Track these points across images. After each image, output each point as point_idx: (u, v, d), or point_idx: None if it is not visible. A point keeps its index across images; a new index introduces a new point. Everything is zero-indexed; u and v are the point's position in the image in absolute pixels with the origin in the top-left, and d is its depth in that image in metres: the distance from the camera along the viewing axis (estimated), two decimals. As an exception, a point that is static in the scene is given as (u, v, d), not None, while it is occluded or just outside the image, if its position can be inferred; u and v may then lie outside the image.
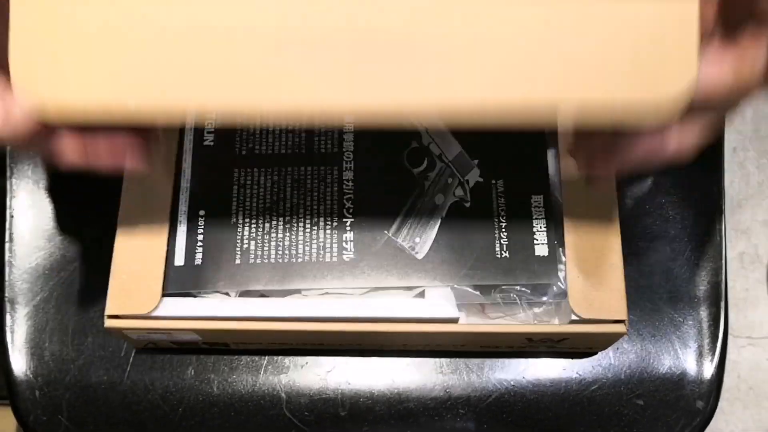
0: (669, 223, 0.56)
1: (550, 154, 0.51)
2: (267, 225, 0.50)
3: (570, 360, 0.54)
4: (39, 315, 0.54)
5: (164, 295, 0.48)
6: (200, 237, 0.50)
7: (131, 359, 0.54)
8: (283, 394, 0.53)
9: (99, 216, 0.56)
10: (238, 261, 0.49)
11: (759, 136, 1.34)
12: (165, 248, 0.49)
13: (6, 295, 0.54)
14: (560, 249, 0.49)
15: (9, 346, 0.53)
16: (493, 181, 0.51)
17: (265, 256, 0.49)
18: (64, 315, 0.54)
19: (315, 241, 0.50)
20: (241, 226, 0.50)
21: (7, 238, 0.55)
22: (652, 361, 0.54)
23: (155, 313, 0.48)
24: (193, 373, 0.53)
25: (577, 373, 0.54)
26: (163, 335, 0.49)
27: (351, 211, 0.50)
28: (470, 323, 0.50)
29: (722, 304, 0.55)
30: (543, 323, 0.49)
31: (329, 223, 0.50)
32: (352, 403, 0.53)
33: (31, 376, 0.53)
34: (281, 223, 0.50)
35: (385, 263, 0.49)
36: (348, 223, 0.50)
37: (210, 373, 0.53)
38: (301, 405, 0.53)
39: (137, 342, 0.51)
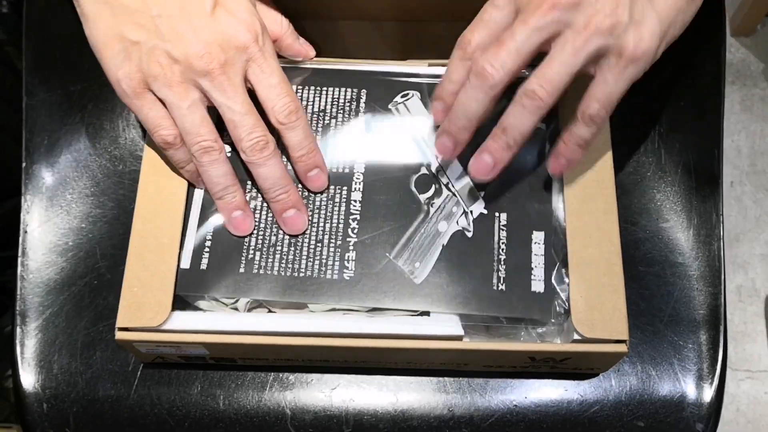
0: (668, 248, 0.57)
1: (555, 191, 0.53)
2: (273, 237, 0.51)
3: (572, 381, 0.55)
4: (49, 329, 0.55)
5: (173, 306, 0.49)
6: (208, 243, 0.51)
7: (138, 374, 0.54)
8: (288, 411, 0.54)
9: (110, 233, 0.57)
10: (242, 270, 0.50)
11: (755, 171, 1.36)
12: (176, 265, 0.50)
13: (17, 308, 0.55)
14: (557, 285, 0.50)
15: (19, 358, 0.54)
16: (497, 214, 0.52)
17: (269, 268, 0.50)
18: (74, 329, 0.55)
19: (318, 257, 0.51)
20: (248, 236, 0.51)
21: (20, 253, 0.56)
22: (652, 383, 0.54)
23: (165, 326, 0.49)
24: (199, 388, 0.54)
25: (578, 394, 0.54)
26: (172, 349, 0.50)
27: (355, 231, 0.52)
28: (474, 341, 0.50)
29: (721, 327, 0.56)
30: (546, 342, 0.50)
31: (333, 240, 0.51)
32: (356, 420, 0.53)
33: (39, 389, 0.54)
34: (287, 236, 0.51)
35: (384, 285, 0.50)
36: (351, 243, 0.51)
37: (216, 389, 0.54)
38: (306, 422, 0.53)
39: (146, 356, 0.52)
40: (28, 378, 0.54)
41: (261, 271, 0.50)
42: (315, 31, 0.58)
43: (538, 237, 0.51)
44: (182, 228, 0.51)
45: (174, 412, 0.53)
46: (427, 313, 0.50)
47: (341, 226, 0.52)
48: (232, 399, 0.54)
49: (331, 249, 0.51)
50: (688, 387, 0.54)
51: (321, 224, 0.52)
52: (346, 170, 0.53)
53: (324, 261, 0.51)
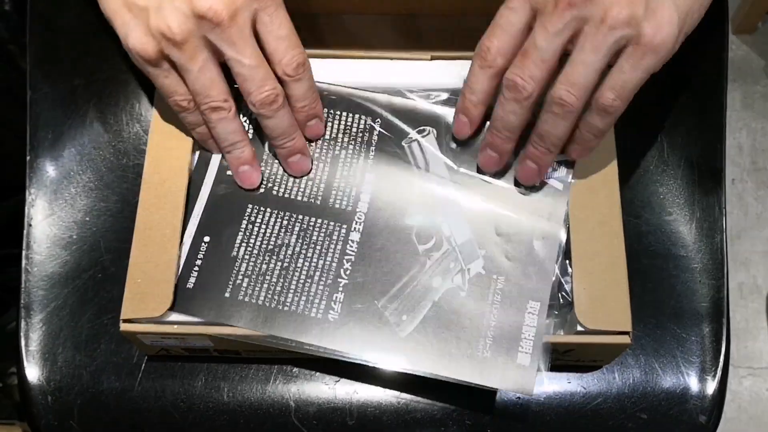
0: (671, 241, 0.57)
1: (557, 265, 0.51)
2: (264, 266, 0.50)
3: (575, 374, 0.55)
4: (53, 322, 0.55)
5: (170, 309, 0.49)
6: (198, 262, 0.51)
7: (143, 366, 0.54)
8: (292, 403, 0.54)
9: (114, 226, 0.57)
10: (227, 294, 0.50)
11: (756, 169, 1.36)
12: (179, 256, 0.50)
13: (22, 301, 0.55)
14: (561, 277, 0.50)
15: (23, 351, 0.54)
16: (494, 276, 0.50)
17: (255, 296, 0.50)
18: (78, 322, 0.55)
19: (306, 293, 0.50)
20: (239, 261, 0.51)
21: (24, 246, 0.57)
22: (655, 375, 0.55)
23: (169, 318, 0.49)
24: (203, 380, 0.54)
25: (581, 386, 0.54)
26: (176, 340, 0.50)
27: (348, 272, 0.50)
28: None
29: (724, 320, 0.56)
30: (549, 334, 0.50)
31: (324, 278, 0.50)
32: (360, 412, 0.54)
33: (43, 381, 0.54)
34: (278, 268, 0.50)
35: (367, 333, 0.48)
36: (342, 284, 0.50)
37: (220, 381, 0.54)
38: (310, 414, 0.54)
39: (150, 348, 0.52)
40: (33, 371, 0.54)
41: (246, 299, 0.49)
42: (317, 24, 0.58)
43: (533, 307, 0.49)
44: (181, 227, 0.51)
45: (178, 405, 0.54)
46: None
47: (334, 265, 0.50)
48: (236, 391, 0.54)
49: (320, 287, 0.50)
50: (691, 379, 0.54)
51: (314, 260, 0.50)
52: (349, 207, 0.52)
53: (311, 298, 0.49)
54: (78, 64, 0.61)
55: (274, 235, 0.51)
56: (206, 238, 0.51)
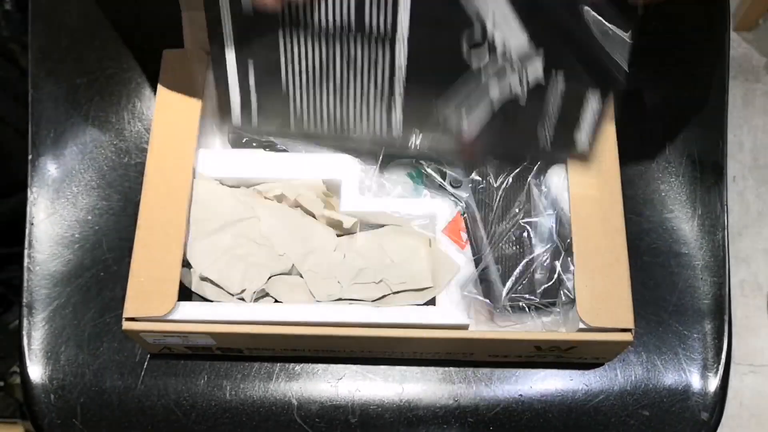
0: (673, 238, 0.57)
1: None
2: (319, 98, 0.50)
3: (577, 371, 0.55)
4: (56, 320, 0.55)
5: (180, 297, 0.49)
6: (254, 99, 0.50)
7: (145, 364, 0.54)
8: (294, 401, 0.54)
9: (116, 224, 0.57)
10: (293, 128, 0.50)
11: (758, 166, 1.36)
12: (182, 254, 0.50)
13: (24, 300, 0.55)
14: (564, 274, 0.50)
15: (26, 350, 0.54)
16: (554, 72, 0.47)
17: (318, 124, 0.50)
18: (81, 321, 0.55)
19: (365, 118, 0.50)
20: (294, 94, 0.50)
21: (26, 245, 0.57)
22: (657, 372, 0.55)
23: (171, 317, 0.49)
24: (206, 379, 0.54)
25: (584, 383, 0.54)
26: (179, 339, 0.50)
27: (402, 95, 0.49)
28: (480, 330, 0.51)
29: (726, 317, 0.56)
30: (551, 331, 0.50)
31: (379, 102, 0.49)
32: (362, 410, 0.54)
33: (46, 380, 0.54)
34: (332, 97, 0.50)
35: (434, 143, 0.50)
36: (398, 105, 0.49)
37: (223, 379, 0.54)
38: (312, 412, 0.54)
39: (153, 346, 0.52)
40: (36, 369, 0.54)
41: (311, 129, 0.50)
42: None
43: (594, 94, 0.48)
44: (187, 218, 0.51)
45: (181, 403, 0.54)
46: (432, 302, 0.50)
47: (386, 88, 0.49)
48: (239, 389, 0.54)
49: (378, 110, 0.49)
50: (693, 376, 0.54)
51: (365, 84, 0.49)
52: (389, 31, 0.46)
53: (371, 120, 0.50)
54: (79, 63, 0.61)
55: (317, 62, 0.48)
56: (252, 79, 0.49)
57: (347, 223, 0.53)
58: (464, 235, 0.53)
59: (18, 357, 0.55)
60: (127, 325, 0.49)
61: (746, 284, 1.29)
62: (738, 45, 1.46)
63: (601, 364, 0.55)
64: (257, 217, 0.53)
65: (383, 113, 0.49)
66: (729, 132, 0.60)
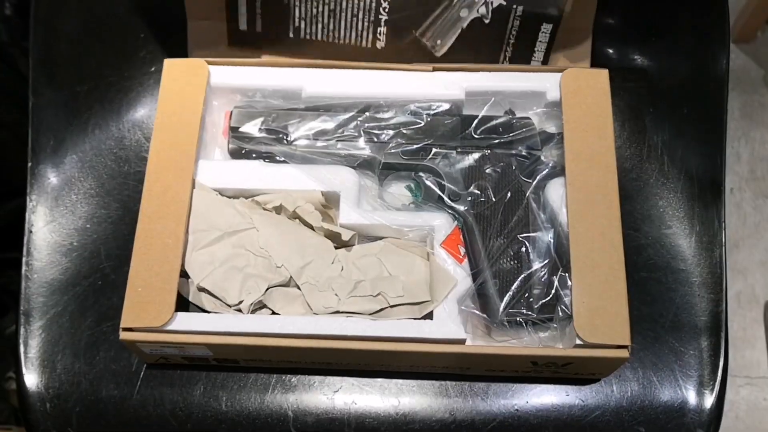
0: (671, 254, 0.58)
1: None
2: (315, 10, 0.57)
3: (573, 386, 0.55)
4: (53, 328, 0.55)
5: (177, 307, 0.49)
6: (259, 11, 0.57)
7: (142, 374, 0.54)
8: (290, 413, 0.54)
9: (114, 233, 0.57)
10: (291, 35, 0.58)
11: (755, 177, 1.36)
12: (180, 265, 0.50)
13: (21, 308, 0.55)
14: (561, 290, 0.50)
15: (22, 358, 0.54)
16: (514, 6, 0.56)
17: (313, 34, 0.58)
18: (78, 329, 0.55)
19: (354, 29, 0.58)
20: (292, 7, 0.57)
21: (24, 253, 0.57)
22: (653, 389, 0.55)
23: (169, 327, 0.49)
24: (202, 389, 0.54)
25: (580, 399, 0.55)
26: (176, 349, 0.50)
27: (386, 10, 0.56)
28: (477, 345, 0.51)
29: (723, 334, 0.56)
30: (548, 347, 0.50)
31: (367, 17, 0.57)
32: (358, 423, 0.54)
33: (42, 388, 0.54)
34: (327, 10, 0.57)
35: (409, 55, 0.58)
36: (383, 20, 0.57)
37: (219, 390, 0.54)
38: (308, 424, 0.54)
39: (149, 356, 0.52)
40: (32, 378, 0.54)
41: (307, 37, 0.58)
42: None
43: (546, 28, 0.57)
44: (186, 228, 0.51)
45: (177, 413, 0.54)
46: (430, 316, 0.50)
47: (374, 4, 0.57)
48: (235, 400, 0.54)
49: (365, 23, 0.58)
50: (689, 393, 0.54)
51: (355, 2, 0.57)
52: None
53: (359, 32, 0.58)
54: (80, 70, 0.61)
55: None
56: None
57: (345, 235, 0.53)
58: (462, 249, 0.53)
59: (14, 363, 0.55)
60: (124, 336, 0.49)
61: (743, 296, 1.29)
62: (736, 57, 1.46)
63: (598, 380, 0.55)
64: (256, 228, 0.53)
65: (370, 27, 0.58)
66: (727, 144, 0.60)
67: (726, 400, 0.55)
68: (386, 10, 0.56)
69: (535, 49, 0.58)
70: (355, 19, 0.57)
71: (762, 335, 1.26)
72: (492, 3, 0.56)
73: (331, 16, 0.57)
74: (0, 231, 0.88)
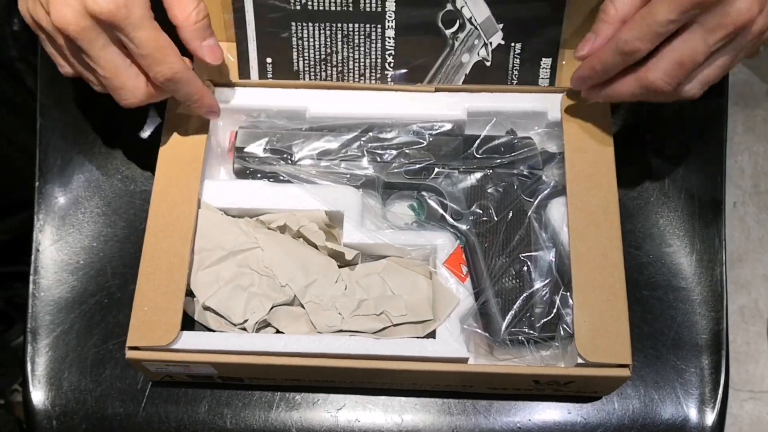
0: (672, 272, 0.58)
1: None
2: (323, 74, 0.57)
3: (575, 404, 0.55)
4: (59, 346, 0.56)
5: (182, 326, 0.50)
6: (269, 61, 0.57)
7: (147, 392, 0.55)
8: (294, 430, 0.54)
9: (120, 252, 0.58)
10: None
11: (758, 192, 1.37)
12: (185, 284, 0.51)
13: (29, 326, 0.56)
14: (562, 308, 0.51)
15: (29, 375, 0.55)
16: (512, 44, 0.56)
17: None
18: (84, 347, 0.56)
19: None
20: (301, 74, 0.57)
21: (32, 271, 0.57)
22: (655, 407, 0.55)
23: (174, 346, 0.50)
24: (207, 407, 0.55)
25: (582, 417, 0.55)
26: (181, 368, 0.51)
27: (392, 65, 0.57)
28: (479, 364, 0.51)
29: (723, 352, 0.56)
30: (550, 366, 0.51)
31: (373, 75, 0.57)
32: (361, 440, 0.54)
33: (49, 406, 0.54)
34: (335, 73, 0.57)
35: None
36: (389, 75, 0.57)
37: (224, 408, 0.55)
38: (312, 441, 0.54)
39: (155, 374, 0.53)
40: (39, 395, 0.55)
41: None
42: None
43: (546, 63, 0.57)
44: (191, 247, 0.52)
45: (181, 430, 0.54)
46: (432, 335, 0.51)
47: (379, 60, 0.57)
48: (239, 418, 0.54)
49: (372, 81, 0.58)
50: (690, 411, 0.55)
51: (361, 60, 0.57)
52: (378, 9, 0.55)
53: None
54: (87, 91, 0.62)
55: (323, 45, 0.56)
56: (269, 60, 0.57)
57: (349, 255, 0.53)
58: (465, 268, 0.54)
59: (21, 379, 0.56)
60: (130, 354, 0.49)
61: (746, 310, 1.29)
62: (739, 71, 1.47)
63: (599, 398, 0.55)
64: (260, 247, 0.53)
65: (377, 83, 0.58)
66: (729, 158, 0.60)
67: (729, 414, 0.55)
68: (391, 65, 0.57)
69: (539, 84, 0.58)
70: (362, 78, 0.58)
71: (765, 349, 1.26)
72: (491, 43, 0.56)
73: (340, 78, 0.57)
74: (6, 244, 0.89)
